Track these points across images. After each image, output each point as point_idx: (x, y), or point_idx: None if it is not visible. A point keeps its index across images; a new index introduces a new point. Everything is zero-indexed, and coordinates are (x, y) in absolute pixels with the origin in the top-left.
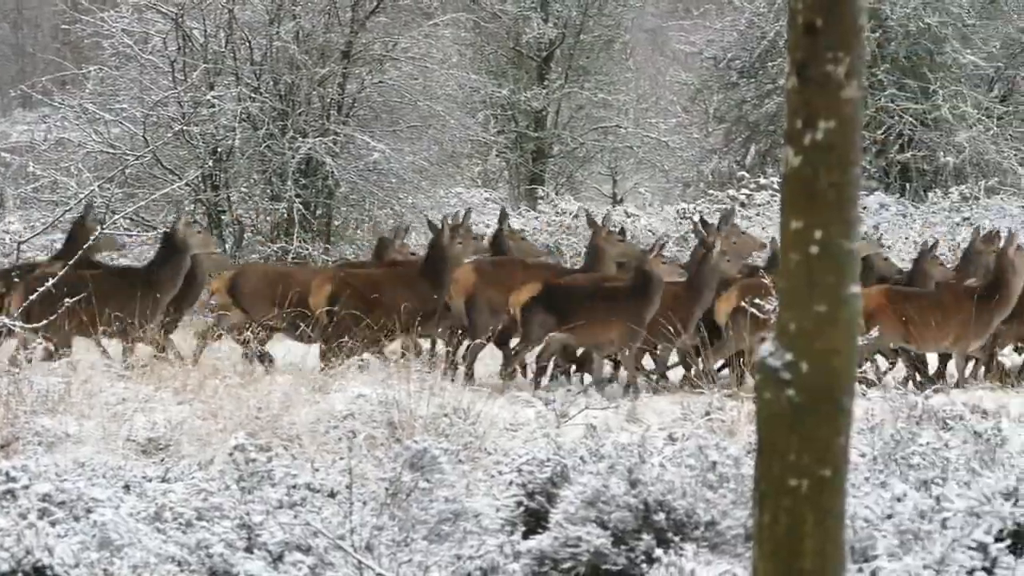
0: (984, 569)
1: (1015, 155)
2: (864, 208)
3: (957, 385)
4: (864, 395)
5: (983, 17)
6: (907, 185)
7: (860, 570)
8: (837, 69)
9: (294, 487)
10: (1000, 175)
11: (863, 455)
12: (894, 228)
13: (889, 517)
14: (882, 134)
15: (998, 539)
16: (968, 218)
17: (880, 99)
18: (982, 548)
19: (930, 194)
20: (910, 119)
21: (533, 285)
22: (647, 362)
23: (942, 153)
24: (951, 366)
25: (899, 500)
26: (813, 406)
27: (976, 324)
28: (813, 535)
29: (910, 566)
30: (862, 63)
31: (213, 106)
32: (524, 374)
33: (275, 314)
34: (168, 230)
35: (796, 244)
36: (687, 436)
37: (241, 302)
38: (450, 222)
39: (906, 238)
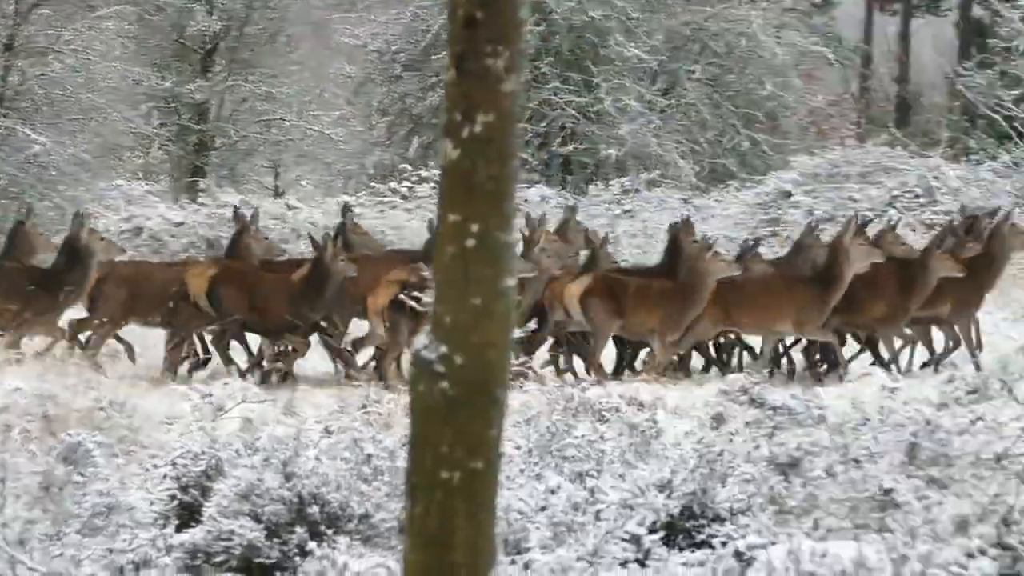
0: (637, 561)
1: (676, 148)
2: (525, 201)
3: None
4: (521, 387)
5: (647, 11)
6: (568, 178)
7: (513, 562)
8: (497, 62)
9: None
10: (662, 168)
11: (518, 447)
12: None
13: (543, 509)
14: (544, 127)
15: (651, 531)
16: (629, 210)
17: (543, 92)
18: (635, 540)
19: (591, 187)
20: (573, 112)
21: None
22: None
23: (604, 146)
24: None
25: (553, 492)
26: (467, 399)
27: (810, 311)
28: (465, 527)
29: (563, 558)
30: (522, 57)
31: None
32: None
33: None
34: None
35: (453, 237)
36: (343, 429)
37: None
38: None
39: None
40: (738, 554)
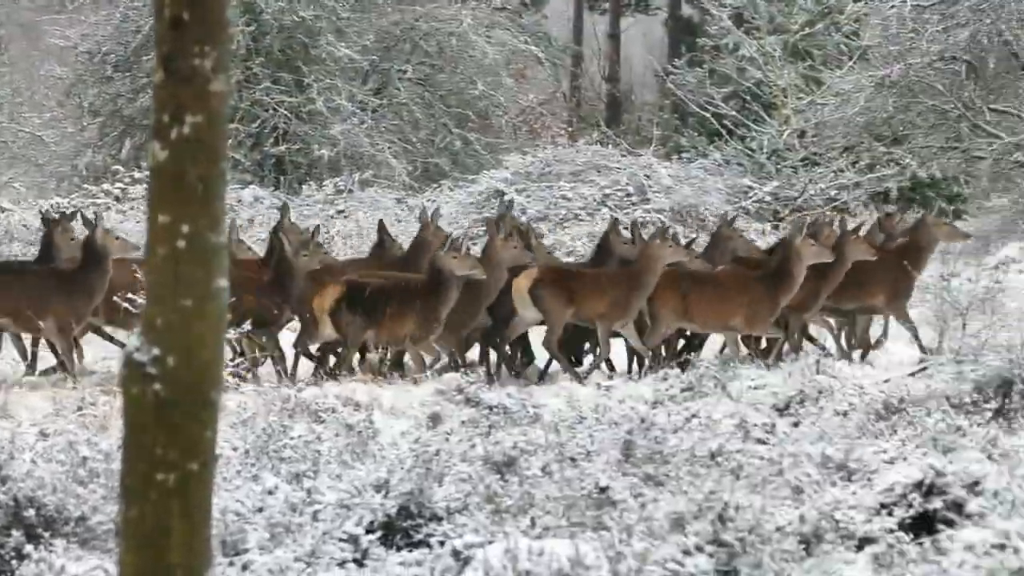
0: (355, 561)
1: (389, 148)
2: (239, 201)
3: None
4: (237, 388)
5: (357, 11)
6: (282, 178)
7: (231, 564)
8: (204, 63)
9: None
10: (375, 167)
11: (235, 449)
12: (269, 221)
13: (261, 510)
14: (257, 127)
15: (369, 531)
16: (343, 211)
17: (255, 92)
18: (353, 540)
19: (305, 187)
20: (285, 112)
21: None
22: None
23: (317, 146)
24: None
25: (271, 493)
26: (181, 401)
27: (760, 306)
28: (180, 529)
29: (281, 559)
30: (230, 57)
31: None
32: None
33: None
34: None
35: (163, 238)
36: (59, 432)
37: None
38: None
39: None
40: (455, 553)
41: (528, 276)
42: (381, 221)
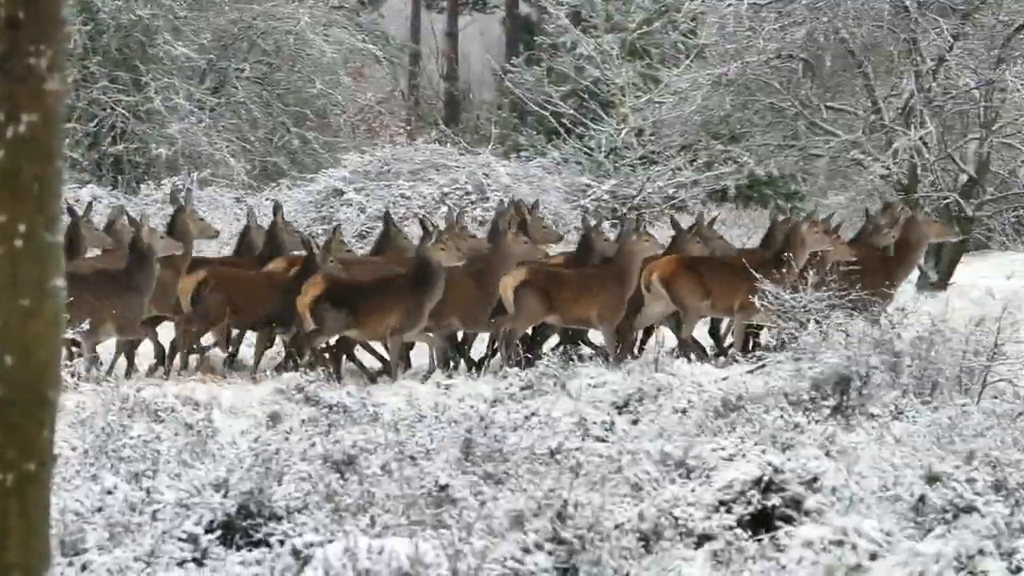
0: (195, 560)
1: (228, 147)
2: (77, 200)
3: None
4: (76, 387)
5: (194, 9)
6: (120, 177)
7: (71, 563)
8: (39, 62)
9: None
10: (213, 166)
11: (74, 448)
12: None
13: (100, 510)
14: (94, 126)
15: (209, 530)
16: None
17: (92, 91)
18: (193, 539)
19: (143, 186)
20: (123, 111)
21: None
22: None
23: (155, 145)
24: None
25: (110, 493)
26: (17, 400)
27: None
28: (18, 529)
29: (121, 559)
30: (66, 56)
31: None
32: None
33: None
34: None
35: (1, 238)
36: None
37: None
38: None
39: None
40: (295, 552)
41: (515, 276)
42: (387, 212)
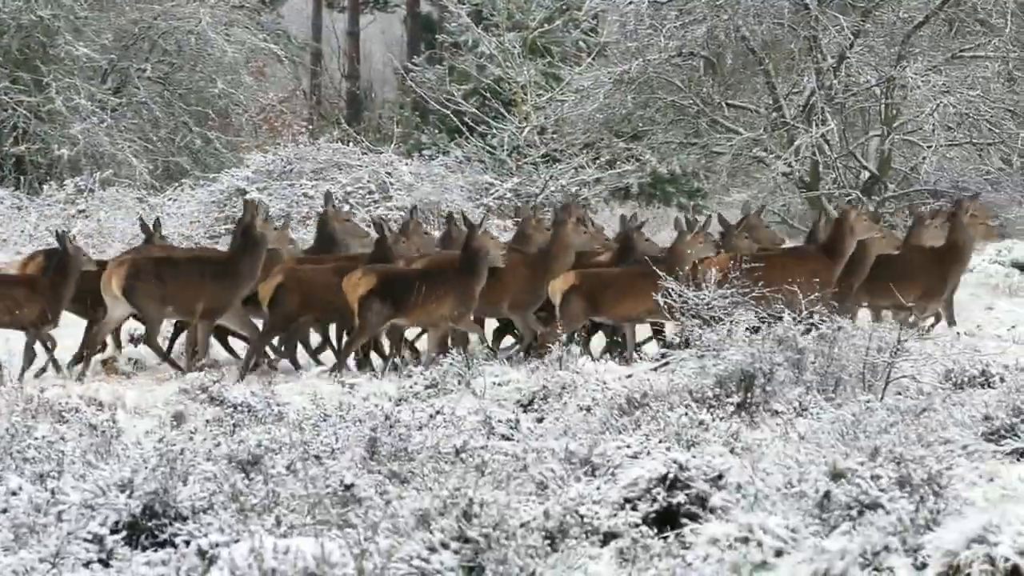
0: (101, 561)
1: (130, 147)
2: None
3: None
4: None
5: (95, 10)
6: (22, 178)
7: None
8: None
9: None
10: (115, 167)
11: None
12: (9, 221)
13: (4, 511)
14: None
15: (114, 531)
16: (84, 210)
17: None
18: (98, 540)
19: (45, 187)
20: (24, 112)
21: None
22: None
23: (57, 145)
24: None
25: (15, 494)
26: None
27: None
28: None
29: (26, 560)
30: None
31: None
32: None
33: None
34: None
35: None
36: None
37: None
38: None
39: (22, 231)
40: (201, 552)
41: (565, 280)
42: (451, 213)
